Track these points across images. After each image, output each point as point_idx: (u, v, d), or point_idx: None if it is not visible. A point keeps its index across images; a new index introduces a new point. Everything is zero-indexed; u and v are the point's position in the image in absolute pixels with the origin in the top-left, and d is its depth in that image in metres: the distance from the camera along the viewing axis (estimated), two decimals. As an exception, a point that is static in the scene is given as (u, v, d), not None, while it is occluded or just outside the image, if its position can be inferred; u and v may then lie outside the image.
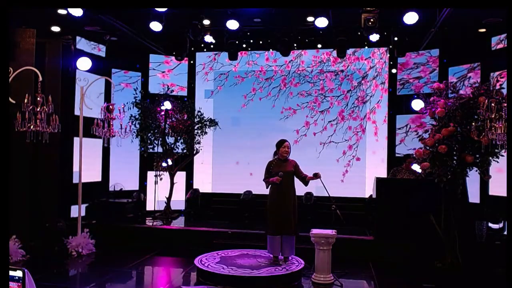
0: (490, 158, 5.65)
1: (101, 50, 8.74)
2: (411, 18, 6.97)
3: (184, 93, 9.88)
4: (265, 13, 7.58)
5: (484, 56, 7.85)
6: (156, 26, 7.25)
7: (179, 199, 9.27)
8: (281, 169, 5.77)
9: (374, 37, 7.88)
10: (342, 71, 9.48)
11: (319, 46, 9.36)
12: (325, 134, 9.46)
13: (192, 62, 9.97)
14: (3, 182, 3.18)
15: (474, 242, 6.33)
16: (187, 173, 9.75)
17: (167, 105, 8.42)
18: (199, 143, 8.84)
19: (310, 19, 7.78)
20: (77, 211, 7.06)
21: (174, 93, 9.17)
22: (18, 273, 2.65)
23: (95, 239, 6.93)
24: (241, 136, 9.71)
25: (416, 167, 6.79)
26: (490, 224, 6.78)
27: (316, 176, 5.67)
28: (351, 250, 6.64)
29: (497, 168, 6.06)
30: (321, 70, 9.55)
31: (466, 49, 8.16)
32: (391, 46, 8.85)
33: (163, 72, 9.80)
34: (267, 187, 5.94)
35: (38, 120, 5.60)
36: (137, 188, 9.31)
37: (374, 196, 7.24)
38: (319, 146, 9.44)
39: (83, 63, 7.73)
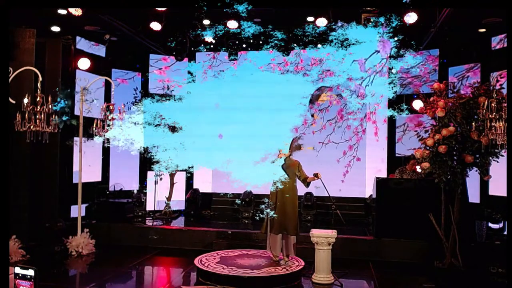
0: (490, 158, 5.65)
1: (101, 50, 8.72)
2: (411, 18, 6.96)
3: (182, 90, 9.85)
4: (265, 13, 7.57)
5: (484, 56, 7.84)
6: (156, 26, 7.25)
7: (179, 199, 9.26)
8: (283, 166, 5.82)
9: (374, 37, 7.86)
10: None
11: (319, 46, 9.32)
12: (324, 133, 9.43)
13: (192, 62, 9.95)
14: (3, 182, 3.18)
15: (474, 242, 6.33)
16: (187, 173, 9.73)
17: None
18: (199, 143, 8.82)
19: (310, 19, 7.77)
20: (77, 211, 7.06)
21: (173, 92, 9.14)
22: (30, 272, 2.63)
23: (95, 239, 6.93)
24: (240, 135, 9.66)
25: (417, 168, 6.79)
26: (490, 224, 6.78)
27: (316, 176, 5.69)
28: (351, 250, 6.64)
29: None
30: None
31: (466, 49, 8.15)
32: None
33: (160, 69, 9.78)
34: None
35: (38, 120, 5.59)
36: (137, 188, 9.30)
37: (374, 196, 7.24)
38: (318, 146, 9.41)
39: (83, 63, 7.73)
